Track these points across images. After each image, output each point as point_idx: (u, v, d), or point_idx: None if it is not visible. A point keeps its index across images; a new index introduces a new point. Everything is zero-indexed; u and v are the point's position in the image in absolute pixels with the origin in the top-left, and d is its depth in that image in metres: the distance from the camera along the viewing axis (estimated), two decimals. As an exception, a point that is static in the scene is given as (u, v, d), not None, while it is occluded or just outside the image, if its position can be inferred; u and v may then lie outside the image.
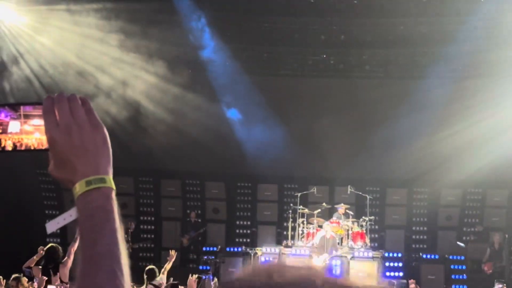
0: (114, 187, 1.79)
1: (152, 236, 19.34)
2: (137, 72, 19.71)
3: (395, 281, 17.67)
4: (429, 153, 19.14)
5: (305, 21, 20.43)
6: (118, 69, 19.55)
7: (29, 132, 1.92)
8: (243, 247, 19.06)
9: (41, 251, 12.92)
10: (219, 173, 20.69)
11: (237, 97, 20.32)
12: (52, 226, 4.91)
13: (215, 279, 15.96)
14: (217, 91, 20.32)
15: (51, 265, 12.41)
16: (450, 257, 19.56)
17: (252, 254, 17.85)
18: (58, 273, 12.57)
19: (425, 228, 20.97)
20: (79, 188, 1.74)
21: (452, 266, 19.25)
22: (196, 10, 20.59)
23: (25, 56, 19.82)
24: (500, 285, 14.60)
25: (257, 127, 19.78)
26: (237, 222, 20.64)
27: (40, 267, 12.66)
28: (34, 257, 13.40)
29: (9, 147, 1.93)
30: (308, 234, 18.19)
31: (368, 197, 18.93)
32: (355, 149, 19.37)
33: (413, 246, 20.76)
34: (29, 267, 12.77)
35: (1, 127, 1.94)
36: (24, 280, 11.56)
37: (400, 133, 18.80)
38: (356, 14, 19.51)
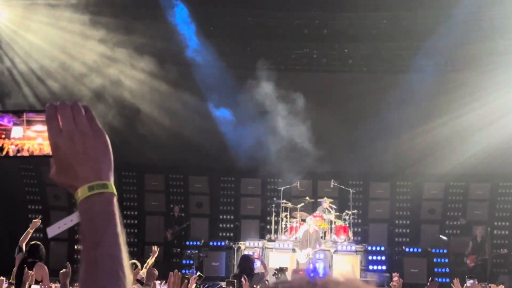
0: (115, 192, 1.77)
1: (135, 230, 19.23)
2: (122, 67, 19.55)
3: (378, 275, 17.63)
4: (412, 147, 19.17)
5: (288, 15, 20.04)
6: (103, 65, 19.33)
7: (32, 137, 1.89)
8: (227, 241, 19.17)
9: (38, 221, 12.44)
10: (203, 167, 20.61)
11: (220, 92, 20.14)
12: (53, 230, 4.70)
13: (196, 273, 14.64)
14: (201, 86, 20.11)
15: (29, 259, 12.02)
16: (433, 250, 19.61)
17: (235, 248, 17.95)
18: (32, 269, 11.81)
19: (408, 222, 21.07)
20: (81, 193, 1.73)
21: (434, 260, 19.37)
22: (179, 4, 19.65)
23: (7, 51, 19.63)
24: (472, 281, 14.34)
25: (240, 122, 19.71)
26: (221, 217, 20.65)
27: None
28: (29, 229, 12.97)
29: (12, 152, 1.90)
30: (291, 228, 18.22)
31: (351, 191, 18.97)
32: (338, 143, 19.34)
33: (396, 239, 20.87)
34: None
35: (4, 133, 1.90)
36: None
37: (383, 127, 18.89)
38: (339, 8, 19.30)
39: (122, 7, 19.76)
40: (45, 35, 19.59)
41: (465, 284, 14.50)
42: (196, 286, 11.57)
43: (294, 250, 17.32)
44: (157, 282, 10.27)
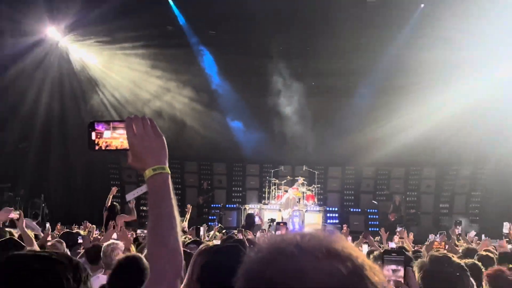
0: (169, 172, 1.95)
1: (179, 197, 19.07)
2: (173, 95, 19.61)
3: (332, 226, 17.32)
4: (356, 143, 19.12)
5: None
6: (161, 93, 19.64)
7: (116, 138, 2.06)
8: (237, 204, 19.62)
9: (115, 190, 12.28)
10: (223, 158, 21.10)
11: (234, 111, 20.36)
12: (130, 196, 6.48)
13: (218, 224, 15.64)
14: (223, 107, 20.43)
15: (110, 214, 11.53)
16: (368, 210, 20.06)
17: (242, 209, 18.36)
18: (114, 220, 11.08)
19: (352, 192, 21.32)
20: (148, 173, 1.90)
21: (369, 216, 19.78)
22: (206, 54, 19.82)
23: (100, 86, 19.62)
24: (400, 228, 14.39)
25: (247, 130, 20.29)
26: (233, 189, 21.03)
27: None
28: (109, 195, 12.62)
29: (103, 147, 2.07)
30: (278, 196, 18.62)
31: (316, 172, 19.36)
32: (309, 141, 19.78)
33: (345, 203, 21.06)
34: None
35: (99, 134, 2.07)
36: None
37: (339, 130, 19.16)
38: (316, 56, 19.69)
39: (171, 55, 18.93)
40: (122, 74, 19.52)
41: (396, 230, 14.61)
42: (218, 232, 12.09)
43: (279, 210, 17.54)
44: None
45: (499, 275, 3.75)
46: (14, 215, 6.79)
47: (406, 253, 3.88)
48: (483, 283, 3.87)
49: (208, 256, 2.65)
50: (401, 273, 2.72)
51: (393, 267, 2.74)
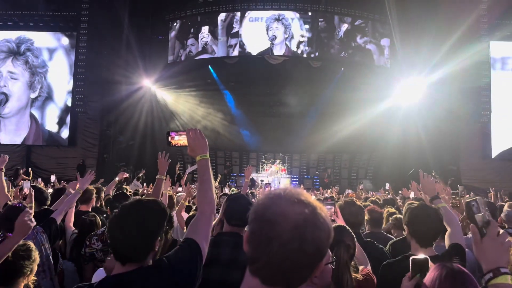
0: (209, 158, 1.83)
1: (214, 171, 17.37)
2: (212, 117, 19.20)
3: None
4: (307, 142, 18.55)
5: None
6: (205, 116, 19.08)
7: (181, 140, 1.97)
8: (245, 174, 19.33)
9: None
10: (237, 149, 20.35)
11: (245, 125, 19.76)
12: (189, 169, 7.12)
13: (234, 184, 15.74)
14: (238, 123, 19.69)
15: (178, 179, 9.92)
16: (314, 177, 19.25)
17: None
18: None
19: (305, 167, 20.52)
20: (198, 158, 1.81)
21: (314, 180, 18.73)
22: (227, 94, 19.47)
23: (174, 114, 19.27)
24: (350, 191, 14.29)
25: (251, 135, 19.90)
26: (242, 166, 19.94)
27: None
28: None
29: (174, 144, 1.99)
30: (266, 169, 18.32)
31: (286, 157, 19.24)
32: (282, 141, 19.21)
33: (301, 173, 20.04)
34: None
35: (172, 138, 1.99)
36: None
37: (297, 135, 18.77)
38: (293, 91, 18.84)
39: (209, 95, 18.88)
40: (184, 106, 19.11)
41: (331, 186, 14.20)
42: (234, 188, 11.33)
43: (267, 177, 17.10)
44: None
45: (372, 209, 3.61)
46: (126, 175, 6.84)
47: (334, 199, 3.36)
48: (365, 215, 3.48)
49: (228, 201, 2.55)
50: (332, 210, 2.44)
51: (328, 207, 2.38)
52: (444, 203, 2.50)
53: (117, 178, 5.89)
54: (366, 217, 3.46)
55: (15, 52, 17.43)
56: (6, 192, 3.74)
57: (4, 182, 3.75)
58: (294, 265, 0.88)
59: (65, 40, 17.83)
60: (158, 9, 18.56)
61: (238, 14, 17.77)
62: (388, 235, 3.60)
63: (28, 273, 2.13)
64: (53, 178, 8.37)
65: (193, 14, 18.34)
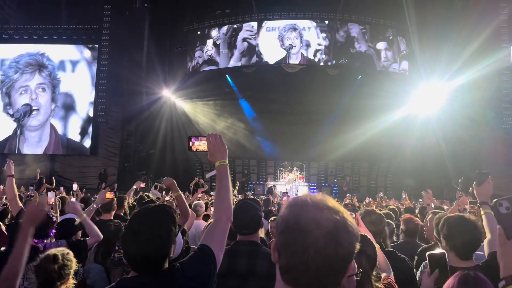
0: (228, 164, 1.82)
1: (232, 178, 16.83)
2: (231, 126, 18.87)
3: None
4: (324, 149, 17.91)
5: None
6: (226, 126, 18.66)
7: (201, 145, 1.95)
8: (262, 182, 18.48)
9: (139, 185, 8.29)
10: (255, 157, 20.09)
11: (264, 136, 19.62)
12: (208, 175, 7.12)
13: (252, 192, 15.61)
14: (257, 133, 19.53)
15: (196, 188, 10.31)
16: (332, 185, 18.95)
17: (265, 184, 17.13)
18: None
19: (323, 175, 20.21)
20: (217, 164, 1.80)
21: (332, 188, 18.69)
22: (243, 102, 19.50)
23: (193, 122, 19.09)
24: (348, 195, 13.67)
25: (271, 145, 19.73)
26: (260, 174, 20.11)
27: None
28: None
29: (194, 149, 1.98)
30: (284, 177, 17.93)
31: (303, 165, 18.80)
32: (301, 148, 18.69)
33: (319, 181, 19.98)
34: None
35: (193, 143, 1.97)
36: None
37: (315, 142, 18.19)
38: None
39: (227, 105, 18.90)
40: (203, 114, 19.06)
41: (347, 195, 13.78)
42: (252, 196, 12.19)
43: (285, 185, 16.77)
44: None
45: (408, 219, 3.55)
46: (143, 185, 6.98)
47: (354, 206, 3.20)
48: (401, 225, 3.62)
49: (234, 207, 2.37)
50: (353, 216, 2.04)
51: (348, 212, 2.70)
52: (490, 209, 2.42)
53: (134, 187, 6.02)
54: (402, 226, 3.46)
55: (41, 65, 18.08)
56: (18, 200, 3.64)
57: (16, 189, 3.60)
58: (330, 270, 0.89)
59: (87, 53, 18.40)
60: (177, 21, 18.94)
61: (238, 25, 18.15)
62: (423, 244, 3.49)
63: (67, 277, 2.18)
64: (75, 186, 8.53)
65: (211, 25, 18.72)
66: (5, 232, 2.76)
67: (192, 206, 5.06)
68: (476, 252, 2.24)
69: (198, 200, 6.89)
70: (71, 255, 2.23)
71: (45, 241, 2.78)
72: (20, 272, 1.82)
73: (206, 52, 18.46)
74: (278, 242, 0.94)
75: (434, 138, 15.92)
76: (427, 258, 1.55)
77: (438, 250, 1.56)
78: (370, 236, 2.16)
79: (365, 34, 17.94)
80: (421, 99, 16.66)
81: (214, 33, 18.67)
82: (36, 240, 2.65)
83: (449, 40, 15.23)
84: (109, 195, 4.38)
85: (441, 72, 15.26)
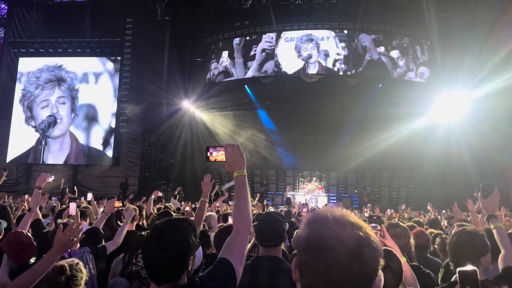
0: (246, 174, 1.80)
1: (251, 188, 17.12)
2: (251, 136, 18.90)
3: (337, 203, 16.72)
4: (344, 159, 17.84)
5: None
6: (246, 137, 18.69)
7: (219, 155, 1.93)
8: (281, 192, 18.34)
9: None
10: (274, 167, 19.99)
11: (281, 145, 19.64)
12: (226, 186, 7.14)
13: (271, 202, 15.48)
14: (275, 143, 19.49)
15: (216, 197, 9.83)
16: (352, 195, 18.73)
17: (284, 194, 16.86)
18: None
19: (343, 185, 20.15)
20: (235, 174, 1.78)
21: (353, 199, 18.22)
22: (261, 111, 19.48)
23: (213, 133, 19.30)
24: (369, 205, 13.60)
25: (289, 154, 19.72)
26: (279, 184, 19.96)
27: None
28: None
29: (212, 160, 1.96)
30: (303, 187, 17.93)
31: (323, 175, 18.93)
32: (319, 158, 18.62)
33: (339, 191, 19.73)
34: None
35: (211, 153, 1.95)
36: None
37: (334, 151, 18.02)
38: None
39: (247, 115, 19.21)
40: (222, 124, 19.22)
41: (368, 205, 13.73)
42: (271, 207, 11.24)
43: (304, 195, 16.85)
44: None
45: (418, 233, 3.47)
46: (160, 194, 6.89)
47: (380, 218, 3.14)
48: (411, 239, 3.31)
49: (257, 222, 2.49)
50: (378, 229, 2.30)
51: (373, 225, 2.32)
52: (500, 223, 2.40)
53: (152, 196, 6.07)
54: (412, 240, 3.27)
55: (60, 79, 18.69)
56: (38, 211, 3.77)
57: (40, 199, 3.77)
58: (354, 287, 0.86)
59: (109, 65, 18.87)
60: (197, 33, 19.28)
61: (254, 37, 18.35)
62: (435, 258, 3.44)
63: (79, 287, 2.18)
64: (89, 196, 8.66)
65: (230, 37, 18.96)
66: (34, 243, 2.77)
67: (204, 217, 5.18)
68: (489, 267, 2.20)
69: (217, 209, 7.11)
70: (80, 265, 2.20)
71: (69, 250, 2.76)
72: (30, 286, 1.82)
73: (221, 63, 18.73)
74: (299, 260, 0.92)
75: (457, 148, 15.58)
76: (457, 275, 1.50)
77: (469, 267, 1.50)
78: (396, 249, 2.11)
79: (378, 43, 17.97)
80: (443, 108, 16.46)
81: (233, 44, 18.98)
82: None
83: (473, 49, 14.93)
84: (117, 204, 4.49)
85: (465, 81, 15.06)
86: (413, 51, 18.02)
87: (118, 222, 4.74)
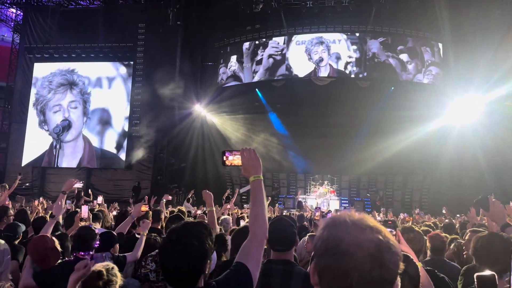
0: (262, 179, 1.79)
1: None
2: (263, 140, 18.32)
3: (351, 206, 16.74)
4: (356, 162, 17.53)
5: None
6: (259, 142, 17.99)
7: (235, 160, 1.90)
8: (293, 195, 18.25)
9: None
10: (285, 171, 19.78)
11: (293, 149, 19.57)
12: (242, 190, 7.07)
13: (282, 206, 15.41)
14: (286, 147, 19.30)
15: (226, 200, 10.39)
16: (365, 199, 18.50)
17: (296, 198, 16.58)
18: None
19: (355, 189, 19.67)
20: (251, 179, 1.77)
21: (365, 202, 18.07)
22: (272, 114, 19.40)
23: (223, 136, 19.17)
24: (382, 209, 13.47)
25: (302, 158, 19.55)
26: (290, 187, 19.76)
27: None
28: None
29: (229, 164, 1.92)
30: (314, 191, 17.65)
31: (335, 178, 18.64)
32: (331, 162, 18.30)
33: (351, 195, 19.42)
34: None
35: (226, 158, 1.93)
36: None
37: (346, 155, 17.66)
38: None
39: (258, 119, 19.14)
40: (233, 128, 19.22)
41: (381, 209, 13.72)
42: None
43: (315, 199, 16.54)
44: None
45: (434, 236, 3.43)
46: (169, 198, 6.87)
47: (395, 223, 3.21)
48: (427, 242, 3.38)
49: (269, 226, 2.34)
50: (393, 233, 2.20)
51: (388, 229, 2.58)
52: None
53: (164, 200, 6.20)
54: (428, 244, 3.32)
55: (72, 83, 19.00)
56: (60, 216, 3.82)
57: (64, 204, 3.80)
58: None
59: (122, 69, 19.13)
60: (208, 37, 19.46)
61: (262, 41, 18.52)
62: (452, 262, 3.40)
63: None
64: (100, 199, 8.71)
65: (241, 41, 19.07)
66: (58, 248, 2.79)
67: (220, 221, 5.02)
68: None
69: (228, 211, 7.12)
70: (115, 269, 2.22)
71: (91, 253, 2.84)
72: None
73: (229, 68, 18.89)
74: (318, 265, 0.90)
75: (472, 151, 15.45)
76: (475, 280, 1.48)
77: (488, 272, 1.49)
78: (412, 255, 2.09)
79: (387, 46, 17.86)
80: (456, 111, 16.38)
81: (242, 48, 19.10)
82: (82, 253, 2.74)
83: (487, 51, 14.79)
84: (144, 208, 4.45)
85: (479, 83, 14.90)
86: (421, 53, 17.87)
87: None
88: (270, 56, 18.36)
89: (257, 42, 18.55)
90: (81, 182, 4.04)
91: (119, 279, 2.20)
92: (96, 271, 2.13)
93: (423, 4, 16.50)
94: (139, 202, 10.53)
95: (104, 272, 2.13)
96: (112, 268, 2.21)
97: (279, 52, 18.43)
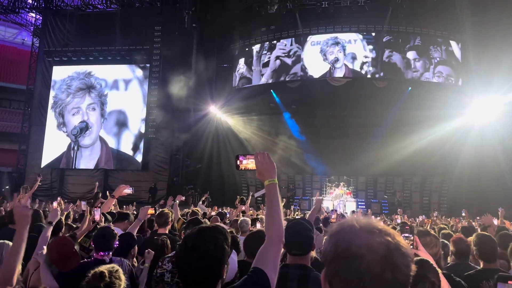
0: (277, 182, 1.75)
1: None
2: (285, 144, 18.53)
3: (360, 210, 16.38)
4: (373, 163, 17.29)
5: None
6: (272, 144, 18.36)
7: (249, 164, 1.88)
8: (309, 197, 18.43)
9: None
10: (300, 172, 19.66)
11: (309, 151, 19.30)
12: (257, 194, 7.08)
13: (298, 207, 15.43)
14: (302, 150, 19.25)
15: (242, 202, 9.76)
16: (382, 201, 18.47)
17: (311, 199, 17.02)
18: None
19: (372, 190, 19.59)
20: (266, 182, 1.74)
21: (382, 204, 18.19)
22: (286, 115, 19.31)
23: (236, 137, 19.25)
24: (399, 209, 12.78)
25: (318, 162, 19.26)
26: (307, 190, 19.51)
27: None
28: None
29: (243, 168, 1.91)
30: (330, 192, 17.22)
31: (351, 180, 18.26)
32: (347, 163, 17.92)
33: (368, 197, 19.22)
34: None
35: (240, 162, 1.92)
36: None
37: (363, 155, 17.33)
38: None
39: (275, 120, 19.39)
40: (248, 129, 19.18)
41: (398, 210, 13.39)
42: (298, 212, 11.47)
43: (331, 200, 16.14)
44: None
45: (458, 240, 3.34)
46: (182, 198, 6.88)
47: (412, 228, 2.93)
48: (450, 246, 3.35)
49: (285, 229, 2.47)
50: (411, 238, 2.21)
51: (406, 235, 2.22)
52: None
53: (177, 201, 6.21)
54: (451, 248, 3.26)
55: (90, 86, 19.40)
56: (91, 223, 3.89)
57: (111, 206, 3.85)
58: None
59: (139, 72, 19.43)
60: (223, 39, 19.60)
61: (266, 44, 18.90)
62: (477, 266, 3.28)
63: None
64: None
65: (256, 42, 19.16)
66: (77, 252, 2.77)
67: (239, 222, 5.08)
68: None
69: (243, 214, 7.15)
70: (120, 272, 2.15)
71: (110, 253, 2.80)
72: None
73: (238, 70, 19.17)
74: (329, 271, 0.88)
75: (492, 152, 15.25)
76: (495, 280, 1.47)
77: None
78: (431, 260, 2.07)
79: (393, 44, 17.71)
80: (476, 111, 16.46)
81: (252, 51, 19.19)
82: (102, 253, 2.71)
83: (508, 51, 14.52)
84: (150, 211, 4.49)
85: (499, 83, 14.67)
86: (429, 51, 17.69)
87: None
88: (277, 57, 18.52)
89: (273, 42, 18.82)
90: (131, 188, 4.03)
91: (123, 282, 2.14)
92: (98, 272, 2.08)
93: (442, 3, 16.34)
94: (155, 203, 10.72)
95: (106, 274, 2.07)
96: (116, 270, 2.14)
97: (286, 54, 18.45)
